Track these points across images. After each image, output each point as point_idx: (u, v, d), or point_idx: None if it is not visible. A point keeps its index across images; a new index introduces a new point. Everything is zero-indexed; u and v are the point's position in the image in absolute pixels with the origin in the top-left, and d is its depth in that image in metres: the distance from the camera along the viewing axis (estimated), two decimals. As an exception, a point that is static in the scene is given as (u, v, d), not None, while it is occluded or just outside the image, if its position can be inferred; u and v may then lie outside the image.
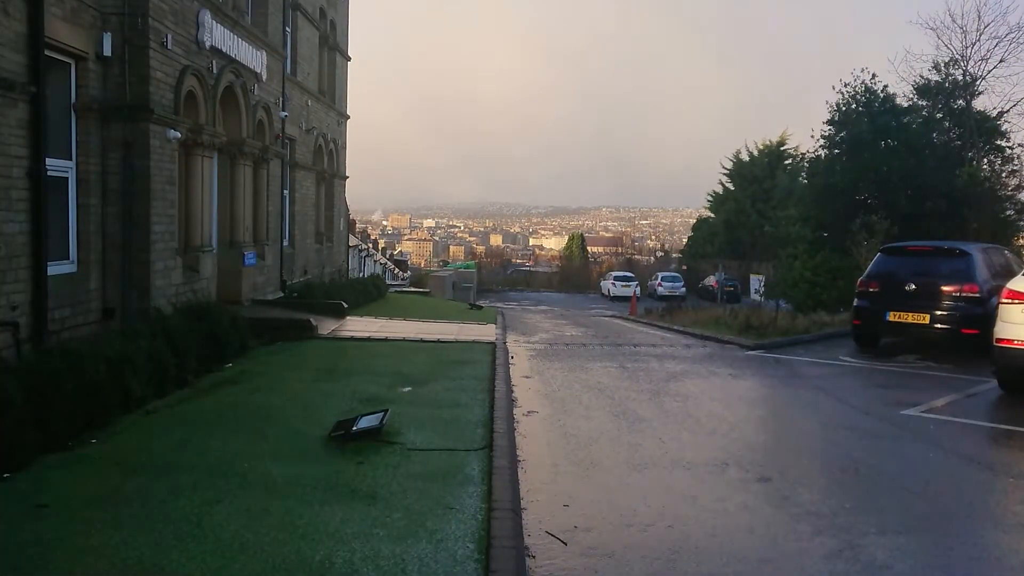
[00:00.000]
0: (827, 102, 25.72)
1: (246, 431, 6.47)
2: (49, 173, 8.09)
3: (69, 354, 6.50)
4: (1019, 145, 24.79)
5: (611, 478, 5.85)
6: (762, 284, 23.36)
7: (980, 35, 24.50)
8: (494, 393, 8.24)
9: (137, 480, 5.10)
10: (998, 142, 24.53)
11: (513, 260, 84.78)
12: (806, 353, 13.09)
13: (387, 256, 69.44)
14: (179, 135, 10.30)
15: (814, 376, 10.80)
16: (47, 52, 7.99)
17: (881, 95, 24.73)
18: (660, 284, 46.42)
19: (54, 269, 8.33)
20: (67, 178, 8.98)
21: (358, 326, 14.00)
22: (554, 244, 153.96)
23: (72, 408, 6.01)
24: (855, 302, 13.32)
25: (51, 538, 4.11)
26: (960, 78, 24.56)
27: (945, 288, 11.93)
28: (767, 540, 4.66)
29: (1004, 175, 24.29)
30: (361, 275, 34.01)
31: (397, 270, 61.43)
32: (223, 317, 10.05)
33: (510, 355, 11.87)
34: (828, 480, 5.99)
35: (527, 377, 10.10)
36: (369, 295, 20.21)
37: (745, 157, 56.68)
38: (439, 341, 12.54)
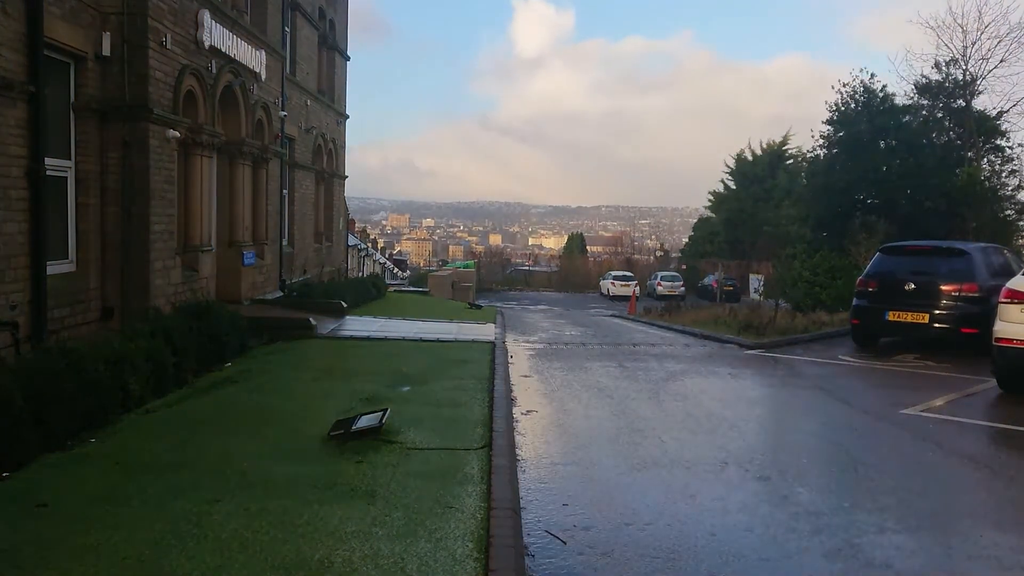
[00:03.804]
0: (826, 102, 25.77)
1: (245, 430, 6.46)
2: (48, 173, 8.09)
3: (68, 353, 6.50)
4: (1019, 145, 24.87)
5: (610, 477, 5.85)
6: (761, 283, 23.41)
7: (980, 34, 24.54)
8: (493, 392, 8.24)
9: (136, 479, 5.10)
10: (998, 142, 24.56)
11: (512, 260, 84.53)
12: (805, 352, 13.10)
13: (386, 256, 69.56)
14: (178, 135, 10.30)
15: (813, 375, 10.80)
16: (46, 52, 7.99)
17: (880, 95, 24.75)
18: (660, 283, 46.37)
19: (53, 268, 8.33)
20: (66, 178, 8.98)
21: (357, 325, 14.00)
22: (553, 244, 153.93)
23: (71, 407, 6.01)
24: (854, 301, 13.33)
25: (50, 537, 4.11)
26: (960, 77, 24.58)
27: (944, 287, 11.94)
28: (766, 539, 4.66)
29: (1004, 175, 24.31)
30: (360, 274, 34.06)
31: (396, 270, 61.53)
32: (222, 316, 10.05)
33: (509, 354, 11.88)
34: (827, 479, 6.00)
35: (526, 376, 10.10)
36: (368, 294, 20.20)
37: (748, 156, 56.66)
38: (438, 340, 12.54)
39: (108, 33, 9.24)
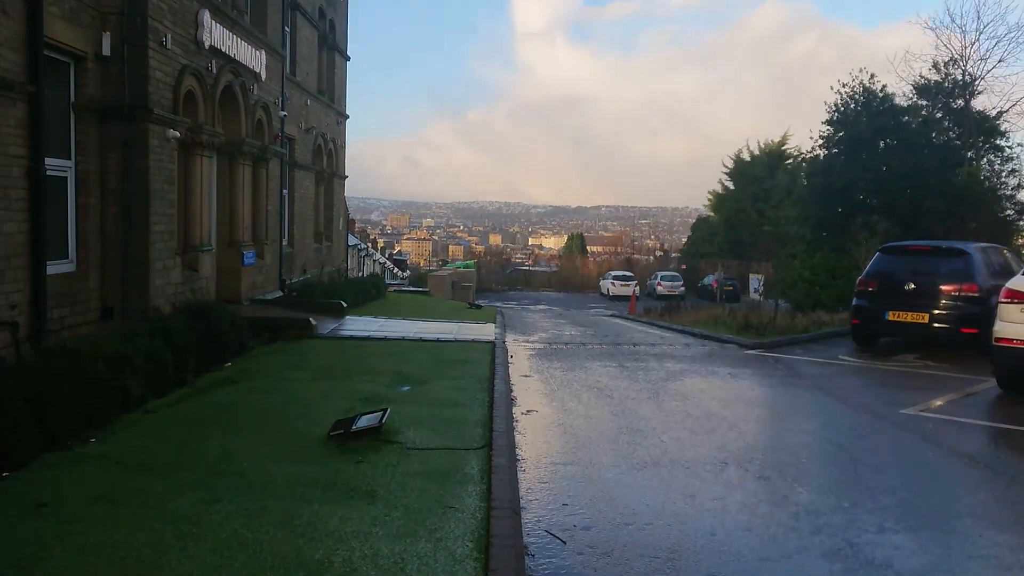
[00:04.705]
0: (826, 102, 25.85)
1: (245, 430, 6.47)
2: (48, 172, 8.09)
3: (68, 353, 6.51)
4: (1019, 145, 24.93)
5: (610, 477, 5.85)
6: (761, 283, 23.42)
7: (979, 35, 24.68)
8: (493, 392, 8.24)
9: (136, 479, 5.11)
10: (997, 142, 24.61)
11: (512, 260, 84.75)
12: (805, 352, 13.10)
13: (386, 255, 69.61)
14: (178, 135, 10.30)
15: (813, 375, 10.80)
16: (46, 52, 7.99)
17: (880, 95, 24.78)
18: (659, 283, 46.43)
19: (53, 268, 8.33)
20: (66, 178, 8.98)
21: (357, 325, 14.00)
22: (553, 244, 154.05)
23: (71, 407, 6.01)
24: (854, 301, 13.33)
25: (50, 537, 4.11)
26: (959, 78, 24.62)
27: (944, 287, 11.94)
28: (766, 539, 4.66)
29: (1004, 175, 24.35)
30: (360, 274, 34.07)
31: (396, 269, 61.56)
32: (222, 316, 10.05)
33: (509, 354, 11.88)
34: (827, 479, 6.00)
35: (526, 376, 10.11)
36: (368, 294, 20.21)
37: (746, 156, 56.74)
38: (438, 340, 12.54)
39: (108, 33, 9.24)
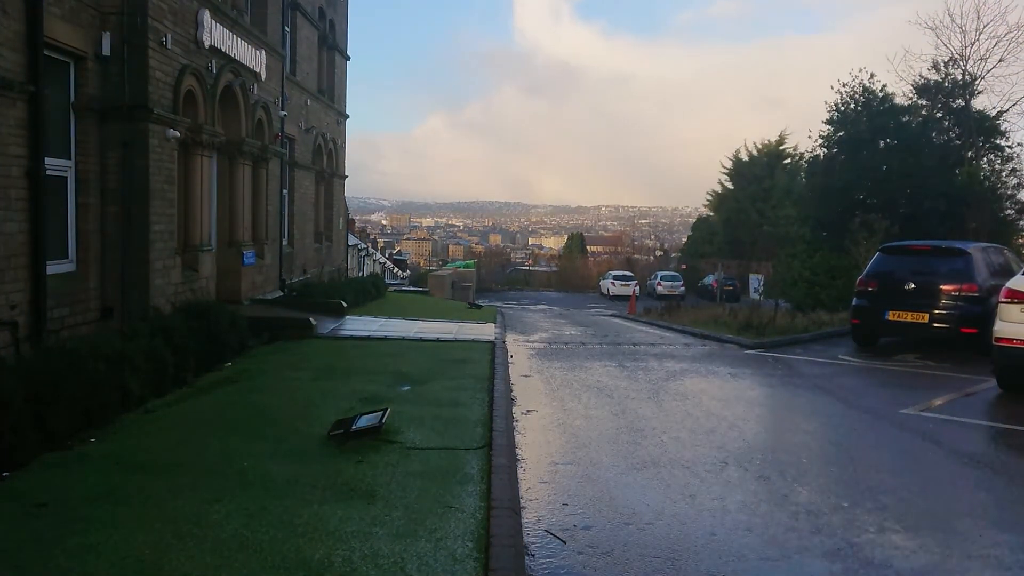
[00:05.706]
0: (825, 102, 25.85)
1: (245, 430, 6.47)
2: (48, 172, 8.09)
3: (68, 353, 6.50)
4: (1019, 144, 24.87)
5: (610, 477, 5.85)
6: (761, 283, 23.48)
7: (979, 35, 24.57)
8: (493, 392, 8.24)
9: (136, 479, 5.10)
10: (997, 141, 24.57)
11: (512, 259, 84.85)
12: (805, 352, 13.10)
13: (387, 255, 69.68)
14: (178, 134, 10.30)
15: (813, 375, 10.80)
16: (46, 51, 7.99)
17: (880, 95, 24.77)
18: (659, 283, 46.42)
19: (53, 268, 8.33)
20: (66, 177, 8.98)
21: (357, 325, 14.00)
22: (553, 243, 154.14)
23: (71, 407, 6.01)
24: (854, 301, 13.34)
25: (50, 537, 4.11)
26: (959, 77, 24.60)
27: (944, 287, 11.94)
28: (766, 539, 4.66)
29: (1004, 174, 24.32)
30: (360, 274, 34.09)
31: (396, 269, 61.63)
32: (222, 316, 10.05)
33: (509, 354, 11.88)
34: (827, 479, 6.00)
35: (526, 376, 10.10)
36: (368, 294, 20.21)
37: (745, 156, 56.77)
38: (438, 340, 12.54)
39: (108, 33, 9.24)
